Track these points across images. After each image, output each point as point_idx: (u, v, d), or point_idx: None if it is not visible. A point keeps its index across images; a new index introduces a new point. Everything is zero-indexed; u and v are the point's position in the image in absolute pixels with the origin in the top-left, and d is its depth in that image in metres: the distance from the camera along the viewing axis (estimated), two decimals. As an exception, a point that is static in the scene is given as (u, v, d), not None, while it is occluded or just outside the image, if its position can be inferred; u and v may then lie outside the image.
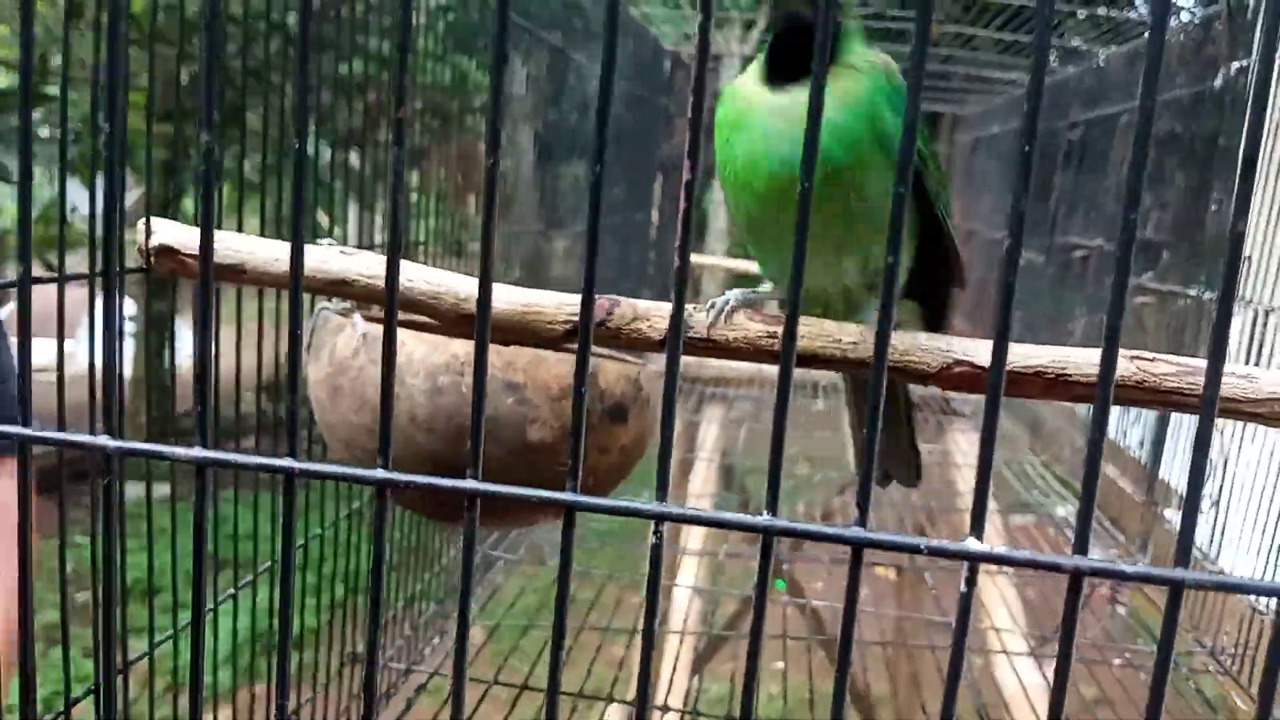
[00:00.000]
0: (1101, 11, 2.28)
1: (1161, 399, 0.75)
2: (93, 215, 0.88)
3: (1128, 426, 2.19)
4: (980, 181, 3.98)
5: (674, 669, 1.94)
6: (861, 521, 0.46)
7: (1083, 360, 0.77)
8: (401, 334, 1.07)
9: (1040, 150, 3.13)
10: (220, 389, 0.85)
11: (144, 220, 0.86)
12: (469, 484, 0.51)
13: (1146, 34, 1.97)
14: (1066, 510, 2.37)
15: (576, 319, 0.84)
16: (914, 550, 0.45)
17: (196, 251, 0.85)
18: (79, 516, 0.88)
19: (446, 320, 0.88)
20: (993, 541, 1.88)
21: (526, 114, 2.25)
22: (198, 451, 0.52)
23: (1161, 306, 1.89)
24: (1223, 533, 1.63)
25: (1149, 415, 2.10)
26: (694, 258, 5.30)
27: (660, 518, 0.50)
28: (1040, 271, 2.75)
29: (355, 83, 1.51)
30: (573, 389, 0.50)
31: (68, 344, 0.86)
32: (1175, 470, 1.99)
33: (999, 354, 0.44)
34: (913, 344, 0.79)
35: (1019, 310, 3.09)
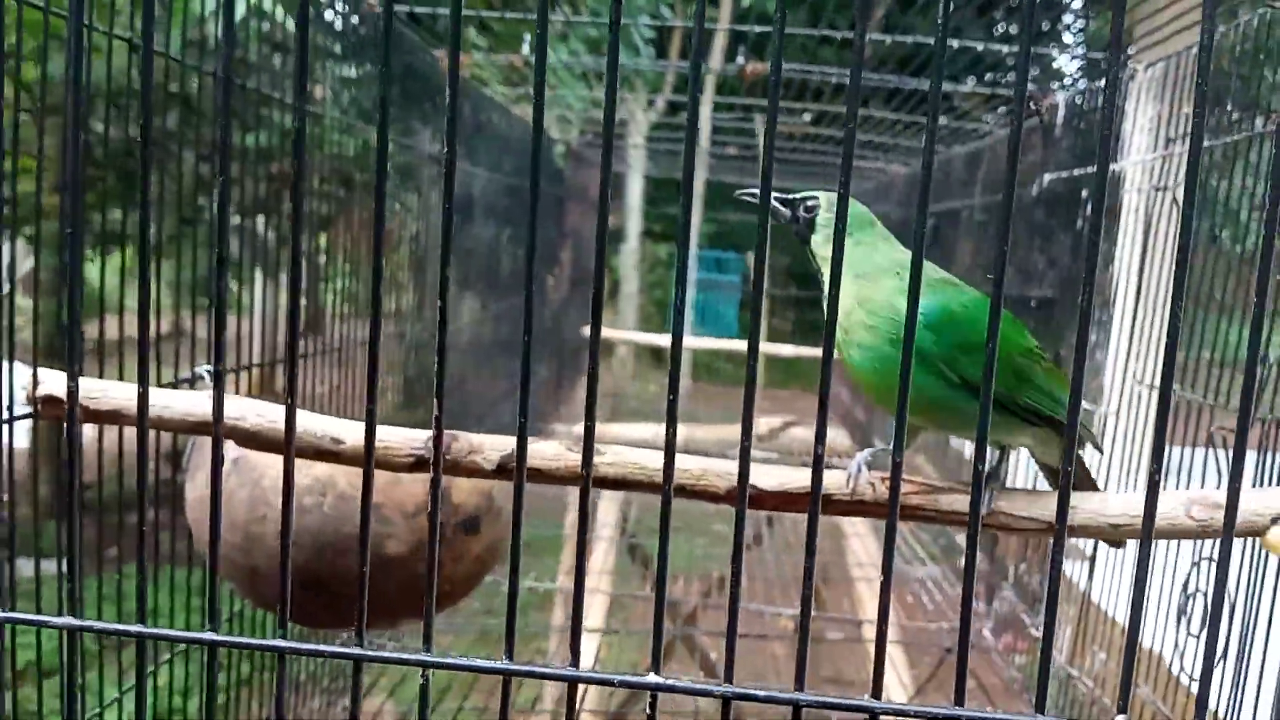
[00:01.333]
0: (943, 121, 2.52)
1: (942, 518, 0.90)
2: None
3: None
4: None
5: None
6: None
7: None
8: (269, 458, 1.17)
9: (900, 239, 3.35)
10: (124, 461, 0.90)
11: (32, 371, 0.95)
12: (281, 644, 0.62)
13: (985, 137, 2.18)
14: (925, 571, 2.54)
15: (419, 452, 0.96)
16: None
17: (83, 402, 0.95)
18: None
19: (306, 454, 0.99)
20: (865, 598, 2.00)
21: (434, 178, 2.35)
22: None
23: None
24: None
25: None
26: (606, 331, 5.44)
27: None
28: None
29: (260, 153, 1.60)
30: (426, 514, 0.63)
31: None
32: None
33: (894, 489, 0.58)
34: (709, 468, 0.93)
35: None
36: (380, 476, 1.18)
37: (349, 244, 2.01)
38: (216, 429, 0.79)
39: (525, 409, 0.78)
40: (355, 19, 1.83)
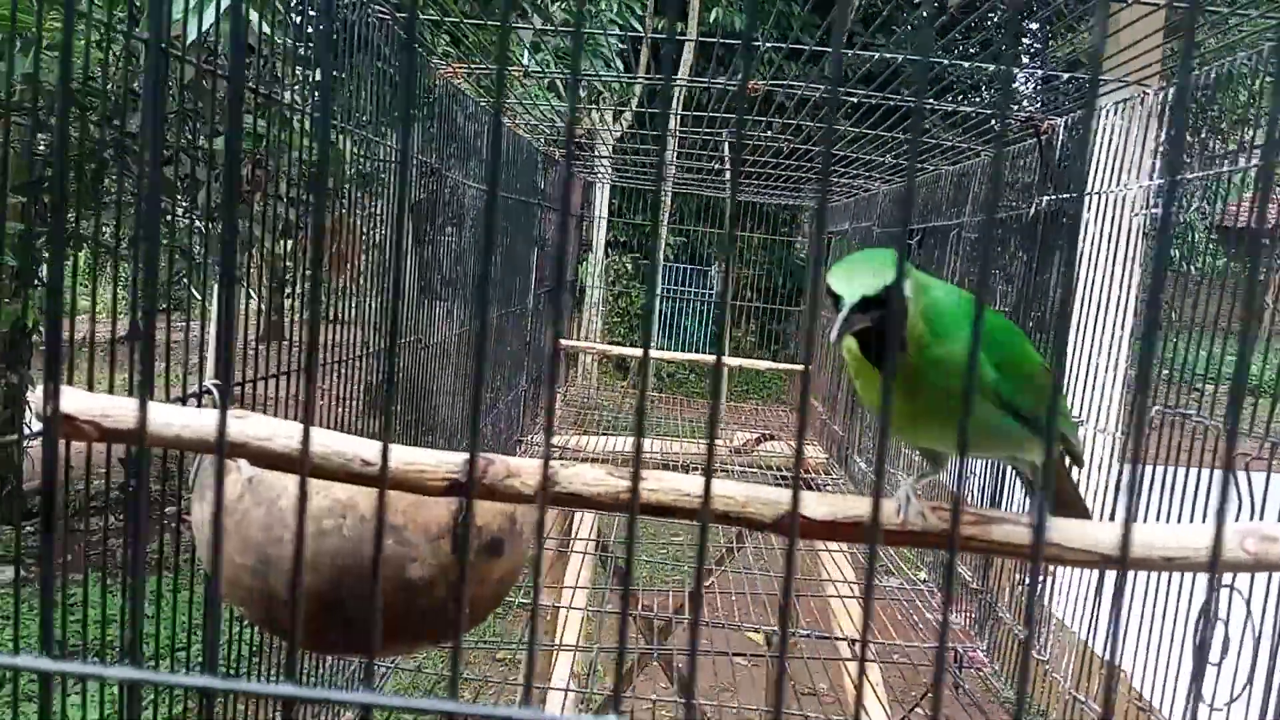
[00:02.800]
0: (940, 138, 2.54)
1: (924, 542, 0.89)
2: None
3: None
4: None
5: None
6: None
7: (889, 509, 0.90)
8: (284, 479, 1.13)
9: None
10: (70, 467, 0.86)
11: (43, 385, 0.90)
12: (285, 689, 0.59)
13: (976, 157, 2.19)
14: (894, 582, 2.56)
15: (456, 476, 0.92)
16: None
17: (93, 418, 0.91)
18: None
19: (334, 477, 0.95)
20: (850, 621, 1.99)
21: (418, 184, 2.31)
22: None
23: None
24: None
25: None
26: (569, 341, 5.41)
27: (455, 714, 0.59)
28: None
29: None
30: (451, 535, 0.59)
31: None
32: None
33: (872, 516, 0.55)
34: (753, 495, 0.91)
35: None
36: (402, 499, 1.14)
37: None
38: (219, 453, 0.75)
39: (550, 429, 0.75)
40: (332, 22, 1.79)
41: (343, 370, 1.95)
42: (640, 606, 3.39)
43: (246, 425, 0.96)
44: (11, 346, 4.50)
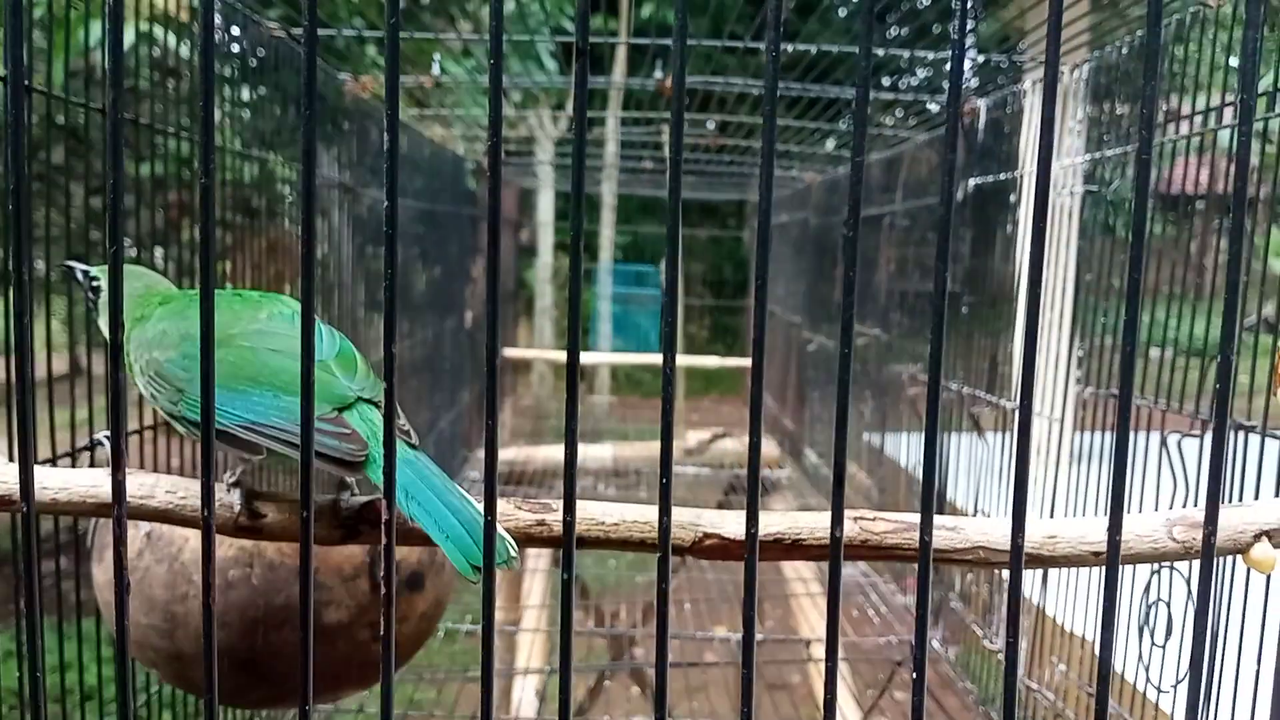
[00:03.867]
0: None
1: (884, 554, 0.85)
2: None
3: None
4: (775, 265, 4.23)
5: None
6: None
7: (814, 524, 0.87)
8: (185, 531, 1.07)
9: (818, 245, 3.39)
10: None
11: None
12: None
13: (902, 143, 2.18)
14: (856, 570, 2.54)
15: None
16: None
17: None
18: None
19: (225, 531, 0.90)
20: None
21: (337, 202, 2.26)
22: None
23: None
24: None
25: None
26: (516, 351, 5.35)
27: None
28: (833, 355, 2.94)
29: (155, 182, 1.51)
30: (369, 573, 0.55)
31: None
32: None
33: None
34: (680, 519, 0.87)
35: (818, 392, 3.29)
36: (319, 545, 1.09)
37: (252, 271, 1.90)
38: (119, 511, 0.69)
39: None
40: (249, 43, 1.73)
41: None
42: (609, 617, 3.35)
43: (130, 483, 0.91)
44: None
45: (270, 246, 1.97)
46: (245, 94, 1.91)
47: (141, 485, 0.86)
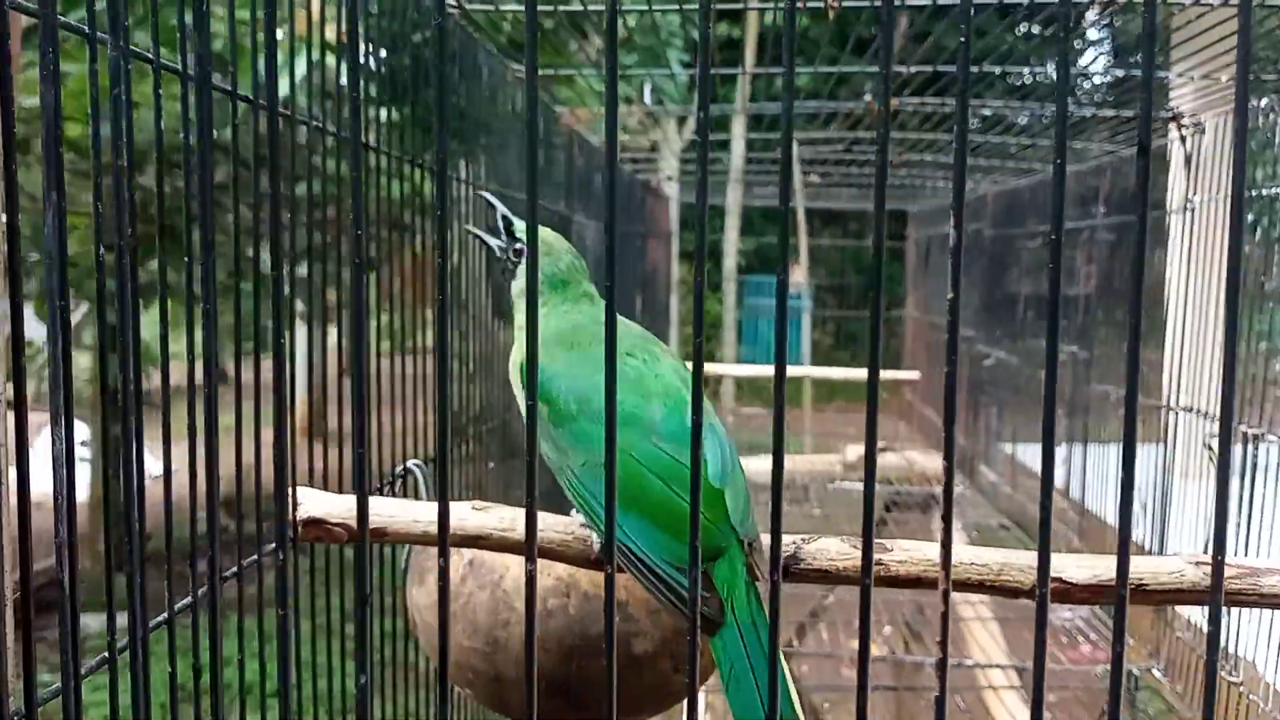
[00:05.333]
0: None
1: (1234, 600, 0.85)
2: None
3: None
4: (939, 279, 4.17)
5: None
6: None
7: (1156, 569, 0.86)
8: (506, 558, 1.13)
9: (1000, 259, 3.32)
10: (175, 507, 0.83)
11: (290, 490, 0.91)
12: None
13: (1108, 156, 2.14)
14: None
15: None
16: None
17: (342, 520, 0.91)
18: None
19: (576, 562, 0.95)
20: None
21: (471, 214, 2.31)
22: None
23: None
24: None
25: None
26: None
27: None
28: (1017, 371, 2.89)
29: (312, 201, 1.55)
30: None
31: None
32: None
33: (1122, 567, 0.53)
34: (1008, 562, 0.88)
35: (995, 407, 3.23)
36: (622, 574, 1.13)
37: (399, 285, 1.92)
38: (442, 538, 0.70)
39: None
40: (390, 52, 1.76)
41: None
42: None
43: (487, 518, 0.97)
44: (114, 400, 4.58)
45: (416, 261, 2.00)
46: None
47: (502, 519, 0.92)
